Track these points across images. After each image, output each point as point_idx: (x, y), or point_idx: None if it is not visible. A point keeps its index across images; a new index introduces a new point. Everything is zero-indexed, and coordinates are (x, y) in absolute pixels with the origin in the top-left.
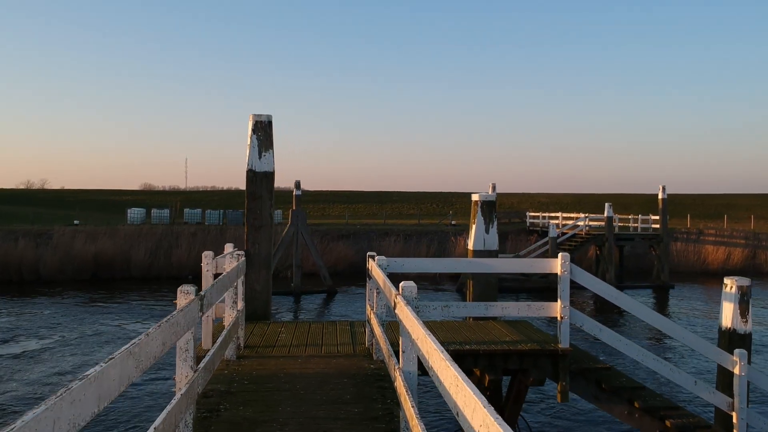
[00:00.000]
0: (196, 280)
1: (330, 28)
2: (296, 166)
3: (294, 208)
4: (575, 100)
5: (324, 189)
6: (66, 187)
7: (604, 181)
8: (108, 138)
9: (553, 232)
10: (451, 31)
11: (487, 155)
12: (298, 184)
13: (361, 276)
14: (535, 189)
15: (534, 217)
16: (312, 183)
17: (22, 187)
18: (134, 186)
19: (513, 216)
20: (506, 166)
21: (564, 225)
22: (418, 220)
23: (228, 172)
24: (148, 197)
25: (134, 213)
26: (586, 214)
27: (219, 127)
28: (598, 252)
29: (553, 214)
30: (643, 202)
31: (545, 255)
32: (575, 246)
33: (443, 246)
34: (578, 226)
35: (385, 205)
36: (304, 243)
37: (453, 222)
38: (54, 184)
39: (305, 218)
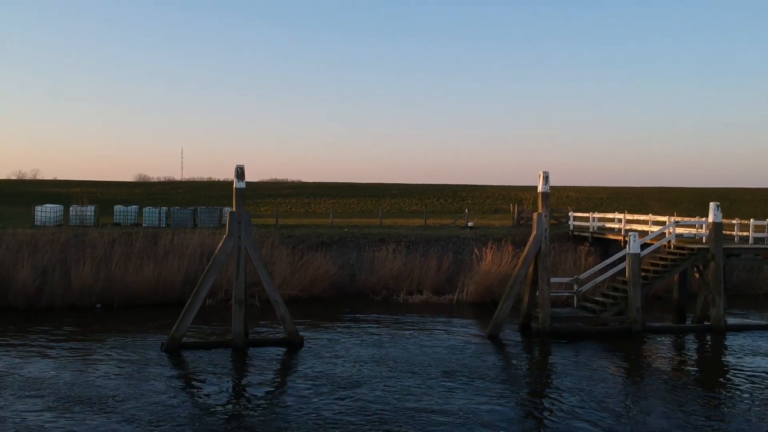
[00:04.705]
0: (105, 308)
1: (329, 20)
2: (279, 155)
3: (234, 209)
4: (603, 84)
5: (311, 180)
6: (58, 178)
7: (640, 173)
8: (103, 128)
9: (635, 246)
10: (460, 15)
11: (501, 142)
12: (239, 172)
13: (346, 305)
14: (561, 181)
15: (580, 219)
16: (298, 173)
17: (13, 177)
18: (128, 177)
19: None
20: (525, 154)
21: (626, 231)
22: (424, 220)
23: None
24: (104, 189)
25: (45, 211)
26: (674, 218)
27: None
28: (697, 274)
29: (608, 215)
30: (696, 198)
31: (621, 277)
32: (667, 266)
33: (460, 258)
34: (664, 235)
35: (382, 200)
36: (253, 264)
37: (470, 224)
38: (47, 175)
39: (251, 224)
